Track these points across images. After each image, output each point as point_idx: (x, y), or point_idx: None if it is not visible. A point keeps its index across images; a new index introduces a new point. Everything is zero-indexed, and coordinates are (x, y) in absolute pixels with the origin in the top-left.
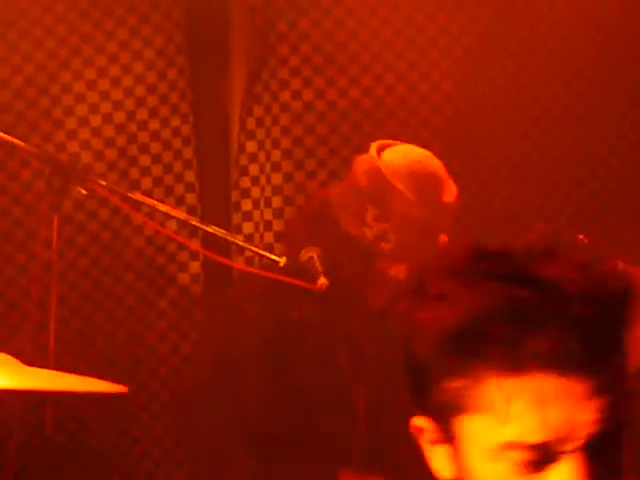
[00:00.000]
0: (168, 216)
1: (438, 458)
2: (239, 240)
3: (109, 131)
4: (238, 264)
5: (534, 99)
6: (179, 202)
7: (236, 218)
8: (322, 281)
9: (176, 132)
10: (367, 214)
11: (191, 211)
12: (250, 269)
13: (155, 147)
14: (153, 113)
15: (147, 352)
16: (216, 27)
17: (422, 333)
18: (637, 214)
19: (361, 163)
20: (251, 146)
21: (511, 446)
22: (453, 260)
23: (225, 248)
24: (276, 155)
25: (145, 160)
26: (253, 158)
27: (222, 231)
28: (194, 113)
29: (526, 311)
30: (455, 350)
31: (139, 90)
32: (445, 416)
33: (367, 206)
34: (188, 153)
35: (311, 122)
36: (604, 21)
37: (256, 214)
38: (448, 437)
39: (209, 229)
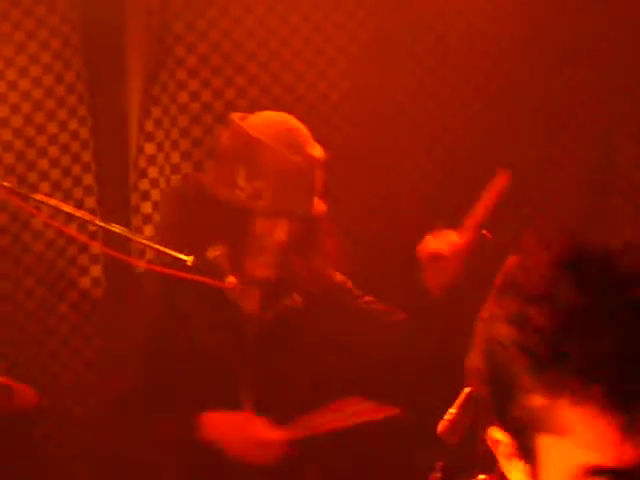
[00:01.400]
0: (69, 218)
1: (514, 473)
2: (145, 239)
3: (7, 135)
4: (144, 263)
5: (437, 98)
6: (78, 206)
7: (136, 220)
8: (230, 279)
9: (74, 135)
10: (237, 176)
11: (90, 214)
12: (157, 268)
13: (53, 151)
14: (51, 116)
15: (49, 357)
16: (112, 29)
17: (509, 344)
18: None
19: (225, 130)
20: (150, 148)
21: (592, 471)
22: (547, 266)
23: (125, 250)
24: (175, 157)
25: (43, 164)
26: (152, 160)
27: (127, 230)
28: (92, 116)
29: (627, 338)
30: (541, 367)
31: (36, 93)
32: (525, 432)
33: (236, 167)
34: (86, 156)
35: (210, 123)
36: (511, 23)
37: (156, 216)
38: (526, 454)
39: (115, 228)
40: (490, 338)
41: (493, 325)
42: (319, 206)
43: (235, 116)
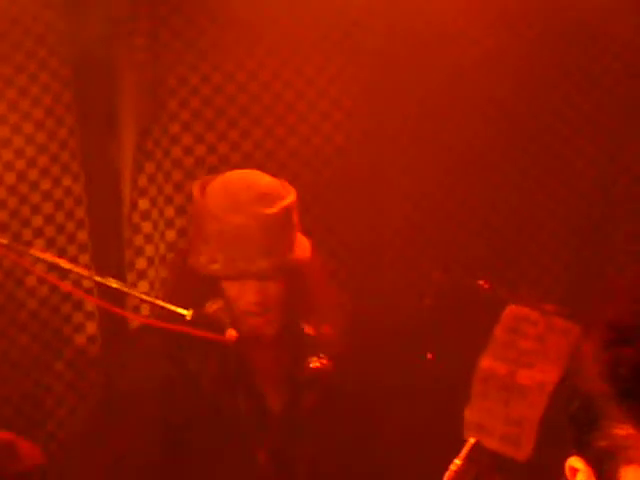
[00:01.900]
0: (63, 275)
1: None
2: (142, 294)
3: (1, 192)
4: (143, 317)
5: (434, 137)
6: (73, 263)
7: (131, 277)
8: (231, 333)
9: (68, 192)
10: (195, 241)
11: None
12: (157, 322)
13: (47, 207)
14: (45, 173)
15: (44, 417)
16: (104, 84)
17: (595, 372)
18: (543, 250)
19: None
20: (143, 203)
21: None
22: (636, 301)
23: (121, 307)
24: (169, 211)
25: (38, 221)
26: (146, 215)
27: (123, 284)
28: (85, 172)
29: None
30: (631, 396)
31: (30, 150)
32: (608, 463)
33: (195, 234)
34: (80, 212)
35: None
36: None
37: (151, 272)
38: None
39: (112, 283)
40: (578, 369)
41: (581, 357)
42: (300, 254)
43: (197, 182)
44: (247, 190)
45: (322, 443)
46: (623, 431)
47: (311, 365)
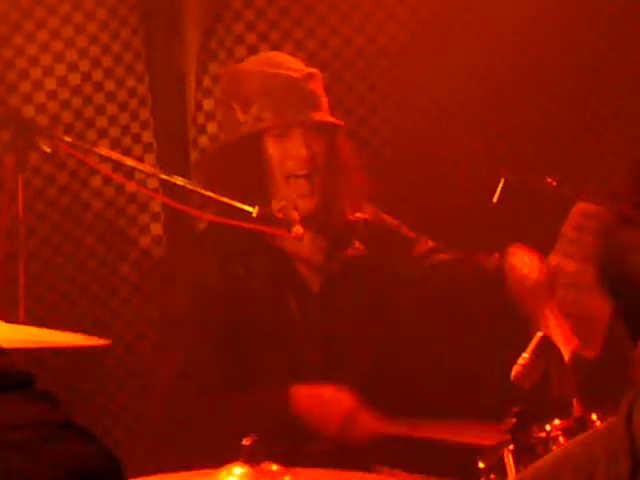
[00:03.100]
0: (129, 175)
1: None
2: (210, 192)
3: (65, 93)
4: (208, 215)
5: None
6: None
7: (196, 177)
8: (297, 229)
9: (132, 92)
10: (236, 113)
11: (149, 174)
12: (222, 219)
13: (112, 108)
14: (108, 74)
15: (111, 317)
16: None
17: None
18: (610, 148)
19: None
20: (208, 104)
21: None
22: None
23: (186, 203)
24: None
25: (102, 122)
26: (211, 116)
27: (189, 182)
28: (149, 73)
29: None
30: None
31: (93, 50)
32: None
33: (232, 106)
34: (145, 113)
35: None
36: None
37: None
38: None
39: (178, 181)
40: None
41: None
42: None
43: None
44: (285, 55)
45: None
46: None
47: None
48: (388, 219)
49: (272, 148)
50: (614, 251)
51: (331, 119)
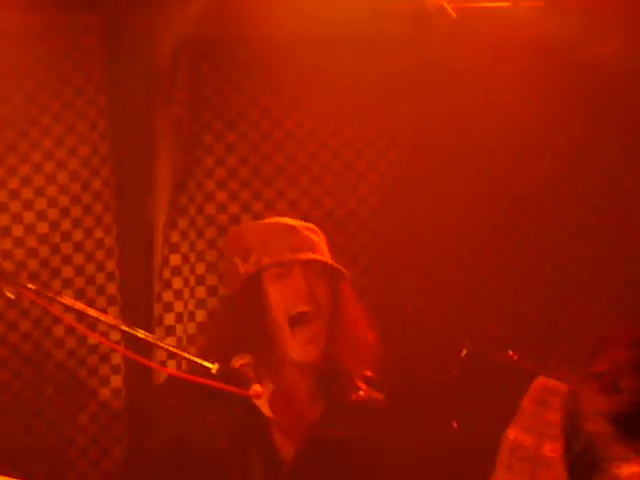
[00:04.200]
0: (91, 326)
1: None
2: (171, 346)
3: (32, 241)
4: (170, 370)
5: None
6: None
7: (159, 332)
8: (256, 388)
9: (99, 244)
10: (235, 269)
11: (112, 326)
12: (183, 374)
13: (78, 258)
14: (77, 224)
15: (68, 468)
16: (142, 139)
17: (595, 413)
18: (574, 323)
19: None
20: (175, 259)
21: None
22: (630, 335)
23: (148, 357)
24: (201, 268)
25: (68, 271)
26: (177, 271)
27: (152, 336)
28: (118, 225)
29: None
30: (632, 430)
31: (63, 200)
32: None
33: (229, 269)
34: (111, 265)
35: None
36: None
37: (179, 328)
38: None
39: (140, 334)
40: (576, 412)
41: (579, 400)
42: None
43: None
44: (281, 219)
45: None
46: (627, 470)
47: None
48: (379, 397)
49: (272, 289)
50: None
51: (332, 262)
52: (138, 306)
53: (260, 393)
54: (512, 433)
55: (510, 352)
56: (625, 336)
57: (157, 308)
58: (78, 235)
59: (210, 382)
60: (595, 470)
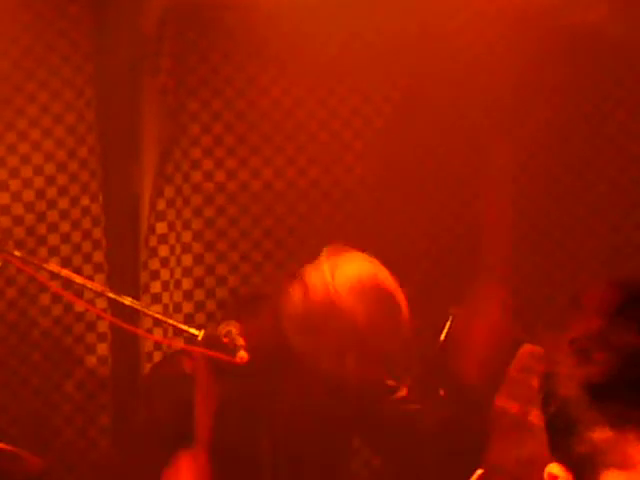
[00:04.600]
0: (78, 293)
1: None
2: (157, 313)
3: (18, 209)
4: (156, 336)
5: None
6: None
7: (145, 300)
8: (242, 354)
9: (86, 211)
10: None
11: (98, 294)
12: (169, 341)
13: (64, 226)
14: (63, 191)
15: (53, 435)
16: (127, 106)
17: (568, 377)
18: (560, 290)
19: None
20: (161, 227)
21: None
22: (605, 302)
23: (134, 324)
24: (187, 236)
25: (54, 239)
26: (163, 239)
27: (137, 303)
28: (104, 193)
29: None
30: (606, 400)
31: (49, 168)
32: (587, 468)
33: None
34: (97, 233)
35: (223, 203)
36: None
37: (165, 296)
38: None
39: (126, 301)
40: (552, 375)
41: (555, 363)
42: None
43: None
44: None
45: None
46: (600, 435)
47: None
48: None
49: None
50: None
51: None
52: (124, 274)
53: (246, 360)
54: (499, 401)
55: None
56: (601, 303)
57: (143, 276)
58: (64, 203)
59: (195, 348)
60: (570, 432)
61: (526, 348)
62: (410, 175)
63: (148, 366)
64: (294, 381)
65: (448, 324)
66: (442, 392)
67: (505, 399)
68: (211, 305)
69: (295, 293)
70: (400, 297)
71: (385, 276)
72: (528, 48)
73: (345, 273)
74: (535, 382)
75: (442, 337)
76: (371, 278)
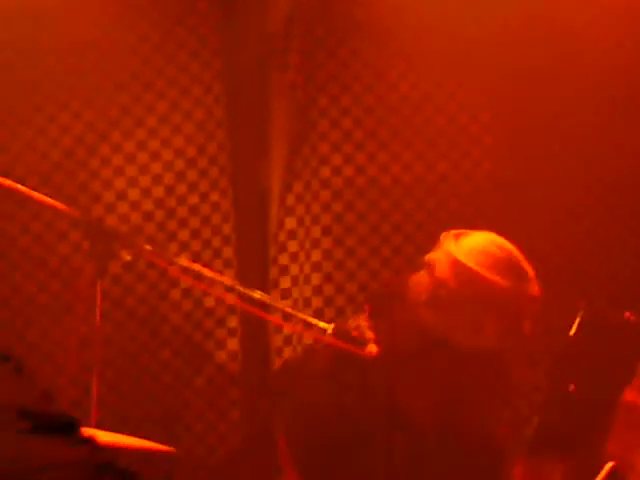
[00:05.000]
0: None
1: None
2: (288, 307)
3: (148, 205)
4: (288, 327)
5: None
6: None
7: (274, 295)
8: (371, 348)
9: (215, 207)
10: (486, 319)
11: (229, 288)
12: (298, 329)
13: (194, 222)
14: (193, 188)
15: (183, 430)
16: (256, 102)
17: None
18: None
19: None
20: (290, 222)
21: None
22: None
23: (263, 324)
24: (316, 231)
25: (184, 235)
26: (292, 235)
27: (268, 297)
28: (233, 188)
29: None
30: None
31: (178, 164)
32: None
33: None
34: (227, 229)
35: (351, 198)
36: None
37: (295, 291)
38: None
39: (256, 294)
40: None
41: None
42: None
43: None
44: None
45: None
46: None
47: None
48: None
49: None
50: None
51: None
52: (254, 269)
53: (375, 353)
54: (629, 396)
55: (627, 313)
56: None
57: (273, 271)
58: (194, 199)
59: (326, 340)
60: None
61: None
62: (538, 170)
63: (278, 361)
64: (424, 378)
65: (578, 319)
66: (573, 387)
67: (636, 394)
68: (340, 300)
69: (422, 276)
70: (527, 265)
71: (509, 245)
72: None
73: (468, 244)
74: None
75: (572, 331)
76: (495, 246)
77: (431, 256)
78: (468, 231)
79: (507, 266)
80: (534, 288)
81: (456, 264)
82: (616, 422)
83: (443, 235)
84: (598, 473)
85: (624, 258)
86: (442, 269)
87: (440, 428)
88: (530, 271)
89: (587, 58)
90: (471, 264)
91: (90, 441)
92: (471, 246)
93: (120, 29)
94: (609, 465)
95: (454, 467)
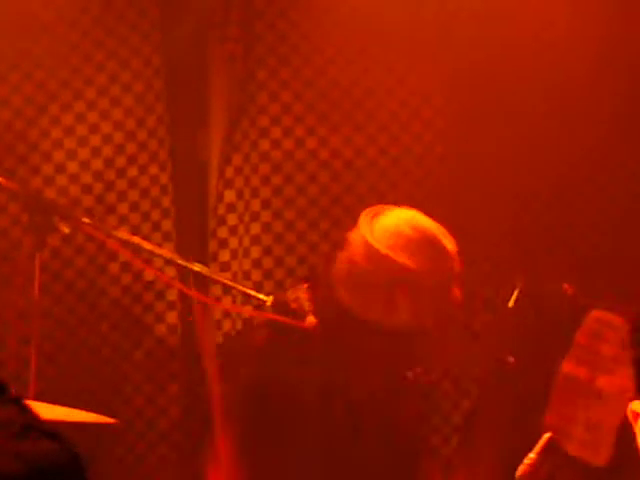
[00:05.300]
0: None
1: None
2: (226, 279)
3: (87, 177)
4: (226, 303)
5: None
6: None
7: (214, 268)
8: (310, 319)
9: (154, 180)
10: (397, 300)
11: (167, 261)
12: (236, 308)
13: (133, 195)
14: (131, 160)
15: (122, 403)
16: (195, 75)
17: None
18: (630, 256)
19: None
20: (229, 195)
21: None
22: None
23: (203, 291)
24: (255, 205)
25: (123, 208)
26: (231, 208)
27: (207, 269)
28: (172, 161)
29: None
30: None
31: (118, 136)
32: None
33: (394, 293)
34: (166, 201)
35: (290, 171)
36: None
37: (234, 264)
38: None
39: (195, 267)
40: None
41: None
42: None
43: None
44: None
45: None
46: None
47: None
48: None
49: None
50: None
51: None
52: (193, 242)
53: (314, 324)
54: (566, 367)
55: (565, 285)
56: None
57: (212, 244)
58: (133, 171)
59: (264, 314)
60: None
61: (594, 314)
62: (488, 153)
63: (218, 334)
64: (350, 352)
65: (516, 291)
66: (512, 360)
67: (573, 365)
68: (280, 273)
69: (340, 255)
70: (445, 240)
71: (425, 221)
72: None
73: (382, 224)
74: (604, 348)
75: (510, 303)
76: (409, 226)
77: (349, 235)
78: (387, 209)
79: (419, 246)
80: (450, 265)
81: (367, 246)
82: (553, 393)
83: (362, 213)
84: (535, 445)
85: (561, 231)
86: (355, 250)
87: (373, 403)
88: (449, 249)
89: (541, 41)
90: (380, 246)
91: (17, 401)
92: (384, 227)
93: (60, 1)
94: (546, 436)
95: (389, 441)
